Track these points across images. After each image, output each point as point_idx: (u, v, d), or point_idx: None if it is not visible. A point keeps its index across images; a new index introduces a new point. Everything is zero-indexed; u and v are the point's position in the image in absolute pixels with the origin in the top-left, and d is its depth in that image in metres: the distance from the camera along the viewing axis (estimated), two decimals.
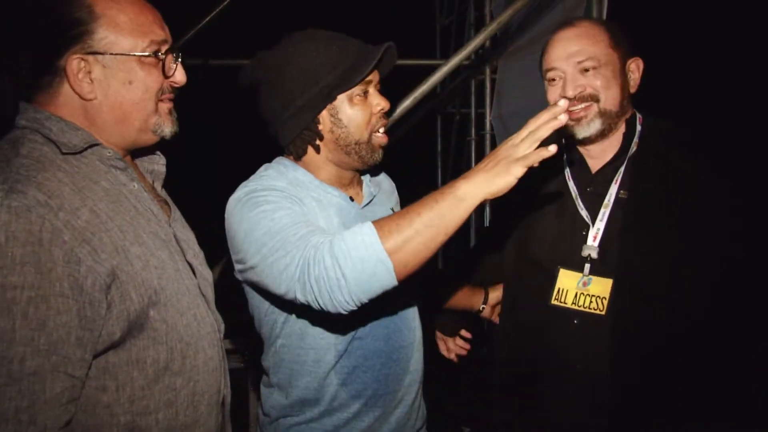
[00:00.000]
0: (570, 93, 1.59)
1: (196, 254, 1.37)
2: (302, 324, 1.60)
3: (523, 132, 1.22)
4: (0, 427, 0.95)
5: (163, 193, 1.38)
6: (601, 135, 1.62)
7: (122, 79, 1.18)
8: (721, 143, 1.63)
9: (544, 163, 1.69)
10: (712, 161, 1.58)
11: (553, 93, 1.64)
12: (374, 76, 1.57)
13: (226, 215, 1.52)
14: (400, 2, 6.66)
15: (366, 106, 1.55)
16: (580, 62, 1.58)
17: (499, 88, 4.55)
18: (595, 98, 1.58)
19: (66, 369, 1.03)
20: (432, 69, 3.11)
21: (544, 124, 1.21)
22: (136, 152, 1.31)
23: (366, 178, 1.73)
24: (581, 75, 1.59)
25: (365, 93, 1.55)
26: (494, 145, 4.61)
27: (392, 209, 1.77)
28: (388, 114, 1.61)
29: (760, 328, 1.51)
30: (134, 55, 1.18)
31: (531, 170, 1.18)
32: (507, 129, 4.37)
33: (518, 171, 1.19)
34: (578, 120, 1.60)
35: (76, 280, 1.04)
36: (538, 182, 1.75)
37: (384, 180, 1.86)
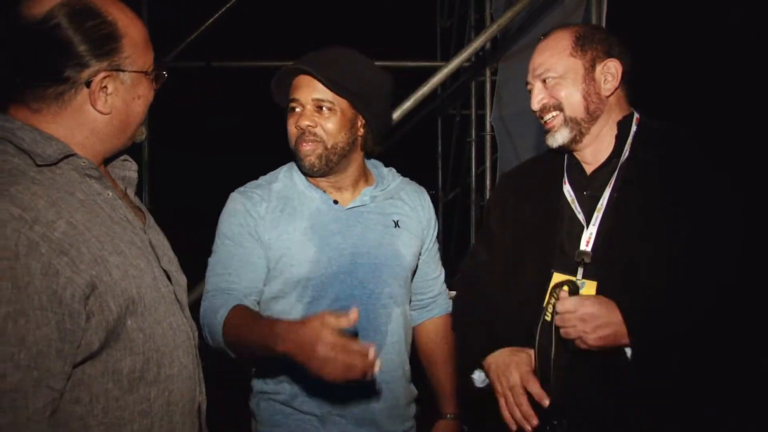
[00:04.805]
0: (535, 106, 1.68)
1: (171, 260, 1.35)
2: None
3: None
4: None
5: (136, 200, 1.37)
6: (574, 141, 1.65)
7: (134, 94, 1.22)
8: (719, 143, 1.61)
9: (543, 169, 1.69)
10: (710, 162, 1.56)
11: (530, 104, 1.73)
12: (300, 94, 1.72)
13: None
14: (400, 4, 6.68)
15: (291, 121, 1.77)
16: (540, 75, 1.66)
17: (499, 90, 4.56)
18: (558, 107, 1.64)
19: (48, 383, 1.02)
20: (432, 71, 3.12)
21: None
22: (108, 159, 1.31)
23: (377, 187, 1.84)
24: (544, 87, 1.66)
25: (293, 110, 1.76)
26: (495, 146, 4.62)
27: (395, 221, 1.82)
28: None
29: (759, 333, 1.49)
30: (145, 72, 1.23)
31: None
32: (507, 130, 4.38)
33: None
34: (549, 130, 1.67)
35: (55, 293, 1.02)
36: (536, 188, 1.76)
37: (406, 194, 1.90)
